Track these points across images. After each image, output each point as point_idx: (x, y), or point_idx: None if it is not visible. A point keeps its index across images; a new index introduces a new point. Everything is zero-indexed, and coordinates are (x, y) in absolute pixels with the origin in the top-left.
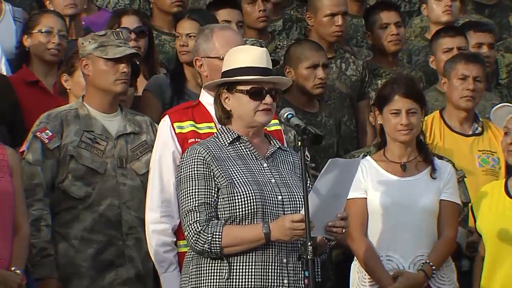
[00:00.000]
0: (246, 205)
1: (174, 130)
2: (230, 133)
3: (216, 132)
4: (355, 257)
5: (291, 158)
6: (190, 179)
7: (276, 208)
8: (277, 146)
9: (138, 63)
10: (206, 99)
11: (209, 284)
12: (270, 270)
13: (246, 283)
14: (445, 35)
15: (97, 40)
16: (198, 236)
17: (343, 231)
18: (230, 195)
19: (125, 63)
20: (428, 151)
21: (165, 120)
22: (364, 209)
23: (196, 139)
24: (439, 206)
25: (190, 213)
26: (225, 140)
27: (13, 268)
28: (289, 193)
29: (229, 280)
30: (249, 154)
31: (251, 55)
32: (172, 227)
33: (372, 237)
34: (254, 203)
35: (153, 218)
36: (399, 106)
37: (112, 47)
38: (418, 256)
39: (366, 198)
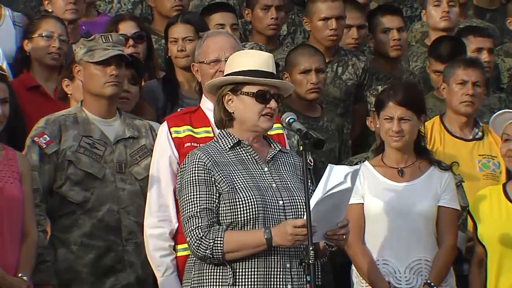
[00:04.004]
0: (248, 211)
1: (171, 134)
2: (231, 137)
3: (216, 136)
4: None
5: (292, 160)
6: (191, 185)
7: (278, 213)
8: (278, 149)
9: (142, 62)
10: (206, 104)
11: None
12: (274, 276)
13: None
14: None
15: (86, 45)
16: (200, 242)
17: (344, 237)
18: (232, 200)
19: (114, 66)
20: (430, 157)
21: (163, 126)
22: (361, 215)
23: (192, 144)
24: (437, 212)
25: (191, 219)
26: (225, 145)
27: (20, 275)
28: (290, 198)
29: (233, 287)
30: (250, 159)
31: (257, 59)
32: (169, 231)
33: (368, 241)
34: (256, 209)
35: (150, 223)
36: (392, 113)
37: (99, 51)
38: (415, 261)
39: (362, 203)
